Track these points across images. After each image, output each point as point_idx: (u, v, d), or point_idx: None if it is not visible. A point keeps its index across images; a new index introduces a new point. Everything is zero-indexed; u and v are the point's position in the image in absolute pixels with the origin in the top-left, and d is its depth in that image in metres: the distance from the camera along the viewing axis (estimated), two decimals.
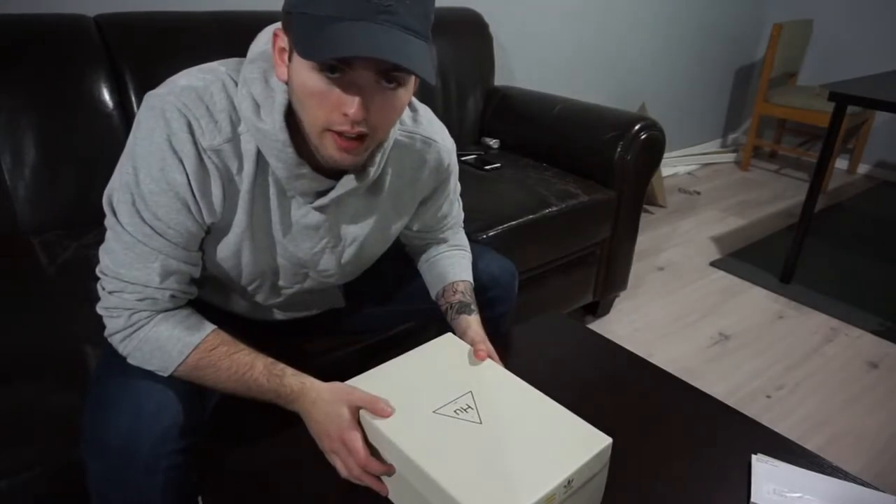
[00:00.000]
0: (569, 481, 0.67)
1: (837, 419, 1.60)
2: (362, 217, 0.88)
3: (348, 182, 0.80)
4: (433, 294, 1.02)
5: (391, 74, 0.67)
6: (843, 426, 1.58)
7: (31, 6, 1.38)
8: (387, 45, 0.62)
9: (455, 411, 0.75)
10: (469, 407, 0.76)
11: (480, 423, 0.74)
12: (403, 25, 0.63)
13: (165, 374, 0.76)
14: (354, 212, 0.87)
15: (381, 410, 0.73)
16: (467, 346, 0.88)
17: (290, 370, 0.79)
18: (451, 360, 0.86)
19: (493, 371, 0.84)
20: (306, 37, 0.63)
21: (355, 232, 0.89)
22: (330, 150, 0.71)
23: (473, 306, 0.97)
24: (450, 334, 0.92)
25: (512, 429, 0.73)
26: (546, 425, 0.74)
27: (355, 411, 0.75)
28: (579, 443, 0.71)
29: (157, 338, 0.75)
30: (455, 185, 1.02)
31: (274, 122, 0.72)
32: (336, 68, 0.65)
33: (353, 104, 0.66)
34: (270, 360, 0.79)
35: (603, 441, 0.71)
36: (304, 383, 0.77)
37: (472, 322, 0.94)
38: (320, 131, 0.70)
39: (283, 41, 0.69)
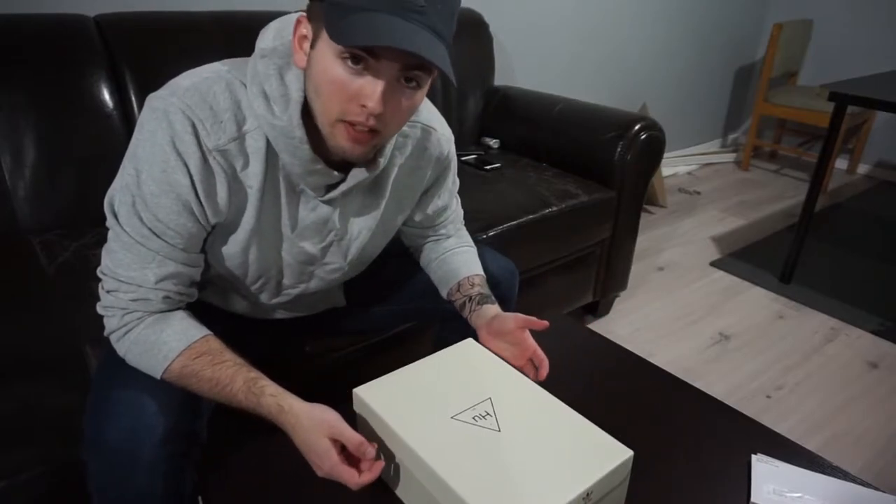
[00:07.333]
0: (587, 493, 0.66)
1: (837, 419, 1.60)
2: (367, 210, 0.89)
3: (359, 174, 0.80)
4: (445, 290, 1.01)
5: (412, 73, 0.68)
6: (843, 426, 1.58)
7: (31, 6, 1.38)
8: (419, 41, 0.63)
9: (473, 418, 0.74)
10: (488, 414, 0.75)
11: (499, 430, 0.73)
12: (432, 27, 0.65)
13: (157, 377, 0.75)
14: (360, 205, 0.87)
15: (366, 454, 0.70)
16: (488, 352, 0.88)
17: (269, 389, 0.74)
18: (472, 365, 0.85)
19: (514, 378, 0.83)
20: (339, 23, 0.63)
21: (360, 225, 0.89)
22: (340, 140, 0.71)
23: (493, 298, 0.97)
24: (471, 339, 0.91)
25: (531, 437, 0.72)
26: (566, 435, 0.73)
27: (338, 443, 0.71)
28: (599, 455, 0.70)
29: (146, 340, 0.74)
30: (454, 178, 1.02)
31: (290, 119, 0.72)
32: (361, 59, 0.65)
33: (373, 97, 0.66)
34: (253, 375, 0.75)
35: (624, 454, 0.70)
36: (282, 406, 0.72)
37: (498, 308, 0.94)
38: (334, 121, 0.70)
39: (307, 28, 0.69)
